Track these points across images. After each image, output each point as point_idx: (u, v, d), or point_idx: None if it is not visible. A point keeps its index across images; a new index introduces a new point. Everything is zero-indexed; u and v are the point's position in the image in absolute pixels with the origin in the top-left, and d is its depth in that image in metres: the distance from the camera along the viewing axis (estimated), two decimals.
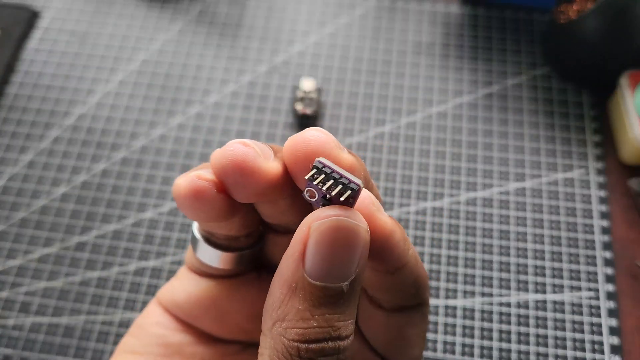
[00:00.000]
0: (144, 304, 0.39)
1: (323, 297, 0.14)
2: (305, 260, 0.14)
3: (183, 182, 0.16)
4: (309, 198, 0.15)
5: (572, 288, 0.39)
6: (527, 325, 0.37)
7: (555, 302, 0.38)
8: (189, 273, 0.21)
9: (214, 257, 0.19)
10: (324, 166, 0.15)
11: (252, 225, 0.19)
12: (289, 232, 0.19)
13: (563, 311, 0.38)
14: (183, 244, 0.41)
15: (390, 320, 0.18)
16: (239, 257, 0.19)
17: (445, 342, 0.37)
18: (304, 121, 0.46)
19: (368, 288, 0.18)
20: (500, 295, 0.39)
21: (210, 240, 0.19)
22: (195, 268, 0.21)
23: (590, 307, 0.38)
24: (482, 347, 0.37)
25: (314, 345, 0.13)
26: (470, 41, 0.49)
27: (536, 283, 0.39)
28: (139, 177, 0.44)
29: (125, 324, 0.38)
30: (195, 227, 0.20)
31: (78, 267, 0.40)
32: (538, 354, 0.37)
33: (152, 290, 0.39)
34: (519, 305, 0.38)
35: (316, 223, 0.14)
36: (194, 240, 0.20)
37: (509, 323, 0.38)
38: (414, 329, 0.19)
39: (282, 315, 0.14)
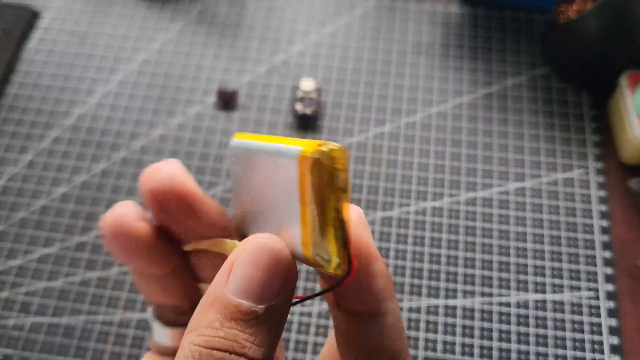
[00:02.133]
0: (143, 304, 0.39)
1: (236, 312, 0.14)
2: (229, 277, 0.14)
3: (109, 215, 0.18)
4: None
5: (571, 288, 0.39)
6: (527, 325, 0.38)
7: (555, 302, 0.38)
8: (153, 356, 0.20)
9: (165, 335, 0.19)
10: None
11: (197, 298, 0.19)
12: None
13: (563, 311, 0.38)
14: None
15: None
16: None
17: (445, 342, 0.37)
18: (303, 121, 0.46)
19: (340, 346, 0.17)
20: (500, 295, 0.39)
21: (162, 319, 0.20)
22: (156, 351, 0.20)
23: (590, 307, 0.38)
24: (482, 347, 0.37)
25: (215, 352, 0.14)
26: (470, 41, 0.49)
27: (536, 283, 0.39)
28: (139, 177, 0.44)
29: (125, 324, 0.38)
30: (150, 311, 0.20)
31: (78, 267, 0.40)
32: (538, 354, 0.37)
33: None
34: (518, 305, 0.38)
35: (246, 244, 0.15)
36: (149, 324, 0.20)
37: (509, 323, 0.38)
38: None
39: (196, 324, 0.14)
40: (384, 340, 0.16)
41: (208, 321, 0.14)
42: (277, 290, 0.14)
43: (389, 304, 0.16)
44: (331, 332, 0.20)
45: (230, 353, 0.14)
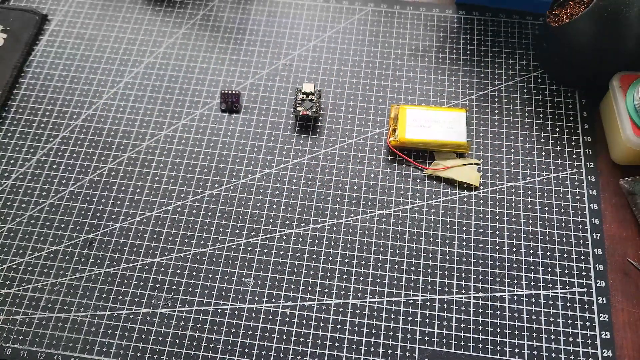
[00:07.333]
0: (150, 298, 0.40)
1: None
2: None
3: None
4: None
5: (564, 284, 0.40)
6: (522, 320, 0.38)
7: (548, 298, 0.39)
8: None
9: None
10: None
11: None
12: None
13: (557, 307, 0.39)
14: (187, 240, 0.42)
15: None
16: None
17: (440, 336, 0.38)
18: (304, 122, 0.47)
19: None
20: (495, 291, 0.39)
21: None
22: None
23: (583, 302, 0.39)
24: (476, 341, 0.38)
25: None
26: (465, 45, 0.50)
27: (529, 279, 0.40)
28: (145, 176, 0.45)
29: (131, 319, 0.39)
30: None
31: (85, 265, 0.41)
32: (532, 348, 0.37)
33: (157, 286, 0.40)
34: (512, 301, 0.39)
35: None
36: None
37: (504, 318, 0.39)
38: None
39: None
40: None
41: None
42: None
43: None
44: None
45: None
